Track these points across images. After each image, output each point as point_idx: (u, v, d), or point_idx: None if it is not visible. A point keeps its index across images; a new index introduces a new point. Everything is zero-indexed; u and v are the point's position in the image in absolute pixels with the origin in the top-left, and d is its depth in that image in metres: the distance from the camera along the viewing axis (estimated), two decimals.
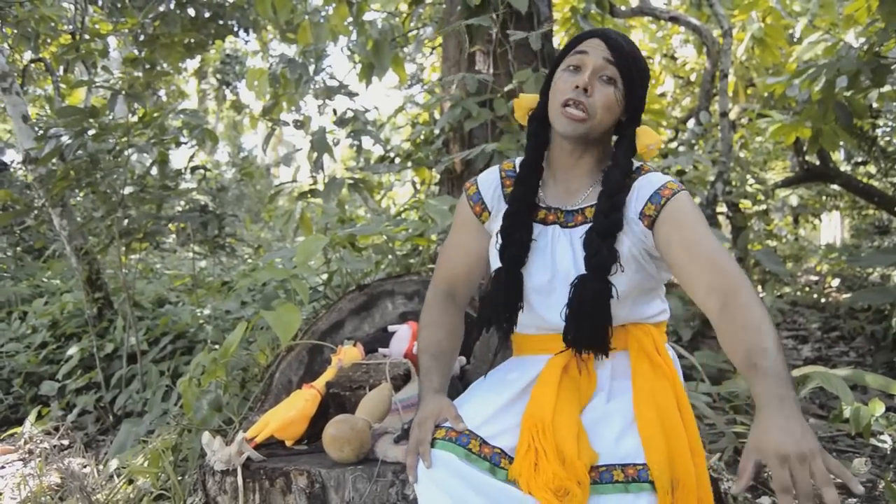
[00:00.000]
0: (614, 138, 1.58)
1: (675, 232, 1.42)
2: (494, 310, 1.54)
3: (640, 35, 8.23)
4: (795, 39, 6.47)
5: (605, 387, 1.49)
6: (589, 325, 1.44)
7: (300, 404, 1.85)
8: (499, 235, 1.55)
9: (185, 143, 4.33)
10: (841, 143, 4.91)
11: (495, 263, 1.57)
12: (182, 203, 4.96)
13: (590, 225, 1.48)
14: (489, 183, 1.65)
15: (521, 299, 1.53)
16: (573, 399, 1.45)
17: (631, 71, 1.46)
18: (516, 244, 1.52)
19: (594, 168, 1.55)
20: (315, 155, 4.05)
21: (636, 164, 1.54)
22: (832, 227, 14.26)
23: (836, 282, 7.67)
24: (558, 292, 1.50)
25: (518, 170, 1.60)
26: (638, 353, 1.49)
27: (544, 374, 1.48)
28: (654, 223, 1.44)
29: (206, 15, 5.69)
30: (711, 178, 5.49)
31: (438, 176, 4.02)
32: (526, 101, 1.63)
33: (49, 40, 6.19)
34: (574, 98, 1.44)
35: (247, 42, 15.57)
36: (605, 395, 1.47)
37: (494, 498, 1.32)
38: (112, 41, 6.88)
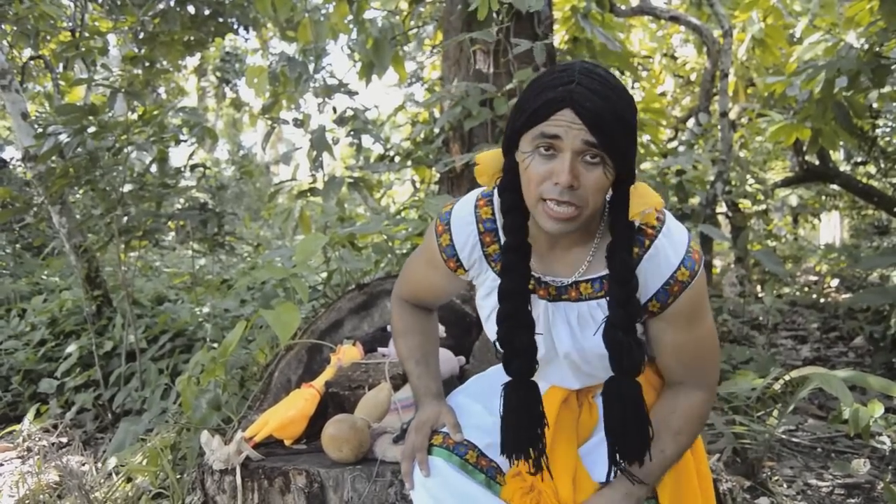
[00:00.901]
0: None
1: (669, 330, 1.31)
2: (518, 438, 1.31)
3: (641, 34, 8.23)
4: (796, 40, 6.46)
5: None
6: (632, 435, 1.27)
7: (299, 404, 1.85)
8: (496, 344, 1.33)
9: (185, 141, 4.33)
10: (841, 143, 4.91)
11: (484, 315, 1.43)
12: (181, 201, 4.96)
13: (585, 302, 1.32)
14: (465, 239, 1.40)
15: (544, 417, 1.32)
16: (570, 434, 1.40)
17: (617, 140, 1.15)
18: (523, 352, 1.29)
19: (585, 236, 1.31)
20: (314, 153, 4.05)
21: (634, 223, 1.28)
22: (831, 227, 14.27)
23: (835, 282, 7.68)
24: (554, 364, 1.39)
25: (501, 243, 1.34)
26: (646, 387, 1.35)
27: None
28: (653, 317, 1.32)
29: (206, 12, 5.67)
30: (711, 178, 5.49)
31: (438, 175, 4.02)
32: (488, 164, 1.37)
33: (48, 37, 6.18)
34: (557, 199, 1.16)
35: (247, 40, 15.60)
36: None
37: None
38: (111, 39, 6.87)
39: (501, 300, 1.28)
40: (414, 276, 1.56)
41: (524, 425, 1.30)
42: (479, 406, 1.46)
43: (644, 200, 1.25)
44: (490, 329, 1.39)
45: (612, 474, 1.30)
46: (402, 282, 1.60)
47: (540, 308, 1.35)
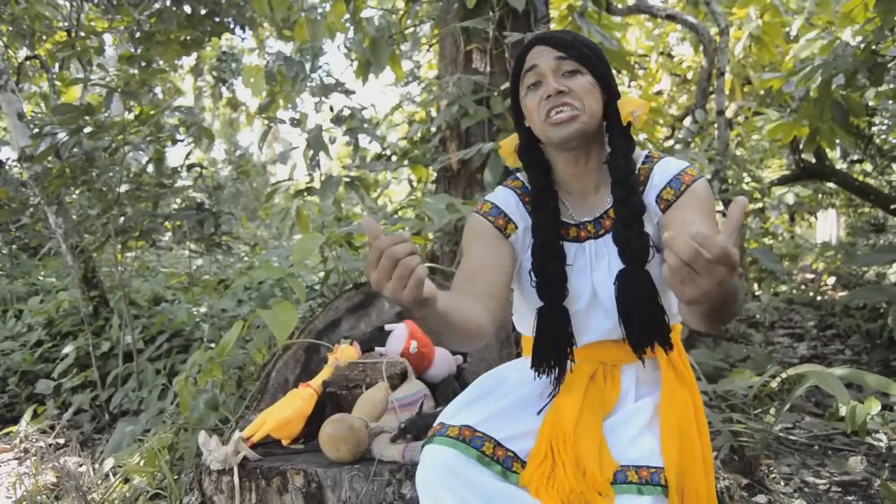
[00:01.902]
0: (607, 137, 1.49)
1: (689, 213, 1.37)
2: (545, 354, 1.44)
3: (637, 33, 8.23)
4: (792, 37, 6.47)
5: (629, 395, 1.45)
6: (647, 320, 1.36)
7: (297, 403, 1.85)
8: (531, 274, 1.45)
9: (182, 141, 4.32)
10: (837, 141, 4.92)
11: (528, 291, 1.48)
12: (178, 201, 4.95)
13: None
14: (506, 198, 1.54)
15: (572, 337, 1.44)
16: (597, 409, 1.42)
17: (586, 54, 1.40)
18: (553, 279, 1.42)
19: (602, 167, 1.48)
20: (311, 153, 4.04)
21: (644, 152, 1.49)
22: (828, 225, 14.30)
23: (832, 280, 7.70)
24: (598, 309, 1.45)
25: (531, 194, 1.51)
26: (667, 362, 1.44)
27: (569, 383, 1.44)
28: (670, 207, 1.41)
29: (203, 12, 5.67)
30: (708, 176, 5.50)
31: (435, 174, 4.02)
32: (509, 144, 1.57)
33: (44, 37, 6.17)
34: (553, 106, 1.37)
35: (243, 39, 15.58)
36: (631, 401, 1.44)
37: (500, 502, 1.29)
38: (108, 38, 6.86)
39: (535, 233, 1.46)
40: (462, 267, 1.46)
41: (552, 343, 1.43)
42: (492, 396, 1.44)
43: (630, 106, 1.45)
44: (526, 281, 1.49)
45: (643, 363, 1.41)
46: (454, 283, 1.45)
47: (586, 252, 1.47)
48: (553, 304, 1.43)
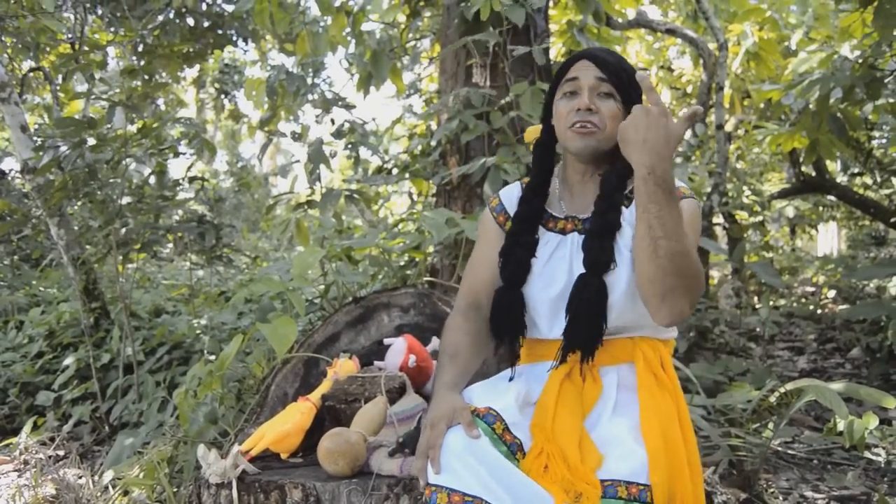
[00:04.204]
0: None
1: None
2: (497, 328, 1.57)
3: (637, 47, 8.27)
4: (792, 51, 6.50)
5: (611, 395, 1.49)
6: (585, 324, 1.46)
7: (296, 417, 1.85)
8: (500, 255, 1.59)
9: (184, 154, 4.35)
10: (837, 154, 4.94)
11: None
12: (179, 213, 4.97)
13: None
14: (511, 194, 1.69)
15: (523, 320, 1.56)
16: (574, 406, 1.46)
17: (624, 82, 1.51)
18: (514, 263, 1.55)
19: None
20: (312, 166, 4.06)
21: None
22: (829, 238, 14.31)
23: (832, 293, 7.70)
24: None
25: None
26: (644, 367, 1.50)
27: (547, 384, 1.49)
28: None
29: (206, 24, 5.71)
30: (707, 190, 5.52)
31: (435, 187, 4.04)
32: (534, 132, 1.71)
33: (48, 49, 6.22)
34: (580, 120, 1.49)
35: (245, 52, 15.62)
36: (612, 403, 1.48)
37: (509, 483, 1.30)
38: (111, 51, 6.90)
39: (513, 223, 1.61)
40: (471, 264, 1.71)
41: (504, 326, 1.56)
42: (496, 388, 1.52)
43: None
44: None
45: (563, 358, 1.49)
46: (462, 282, 1.72)
47: (567, 244, 1.56)
48: (510, 286, 1.56)
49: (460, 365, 1.56)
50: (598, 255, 1.46)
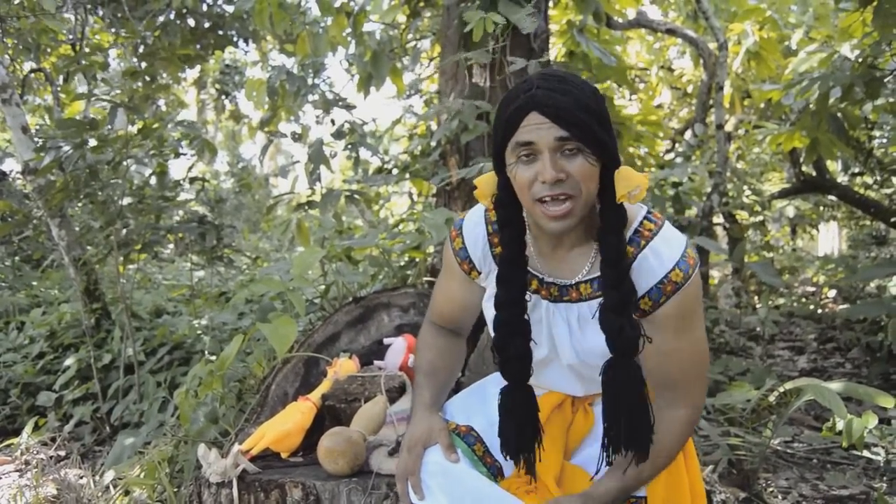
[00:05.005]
0: None
1: (658, 334, 1.29)
2: (511, 440, 1.36)
3: (637, 47, 8.27)
4: (791, 51, 6.50)
5: (601, 426, 1.37)
6: (634, 423, 1.26)
7: (296, 416, 1.86)
8: (492, 350, 1.37)
9: (184, 154, 4.35)
10: (838, 153, 4.95)
11: (489, 315, 1.42)
12: (180, 213, 4.98)
13: (585, 303, 1.35)
14: (475, 239, 1.46)
15: (539, 424, 1.37)
16: (558, 438, 1.43)
17: (588, 129, 1.19)
18: (517, 359, 1.34)
19: (585, 235, 1.34)
20: (312, 166, 4.07)
21: (641, 212, 1.33)
22: (830, 238, 14.29)
23: (832, 293, 7.70)
24: (555, 364, 1.42)
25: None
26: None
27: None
28: (644, 316, 1.30)
29: (206, 25, 5.72)
30: (708, 190, 5.52)
31: (435, 188, 4.05)
32: (485, 186, 1.39)
33: (49, 50, 6.22)
34: (550, 194, 1.21)
35: (246, 52, 15.63)
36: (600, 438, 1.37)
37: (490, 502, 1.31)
38: (112, 53, 6.91)
39: (497, 309, 1.33)
40: (437, 292, 1.61)
41: (519, 431, 1.34)
42: (486, 407, 1.49)
43: (629, 182, 1.26)
44: (490, 310, 1.42)
45: (604, 464, 1.31)
46: (432, 302, 1.64)
47: (542, 308, 1.38)
48: (517, 385, 1.35)
49: (438, 383, 1.55)
50: (629, 335, 1.23)
